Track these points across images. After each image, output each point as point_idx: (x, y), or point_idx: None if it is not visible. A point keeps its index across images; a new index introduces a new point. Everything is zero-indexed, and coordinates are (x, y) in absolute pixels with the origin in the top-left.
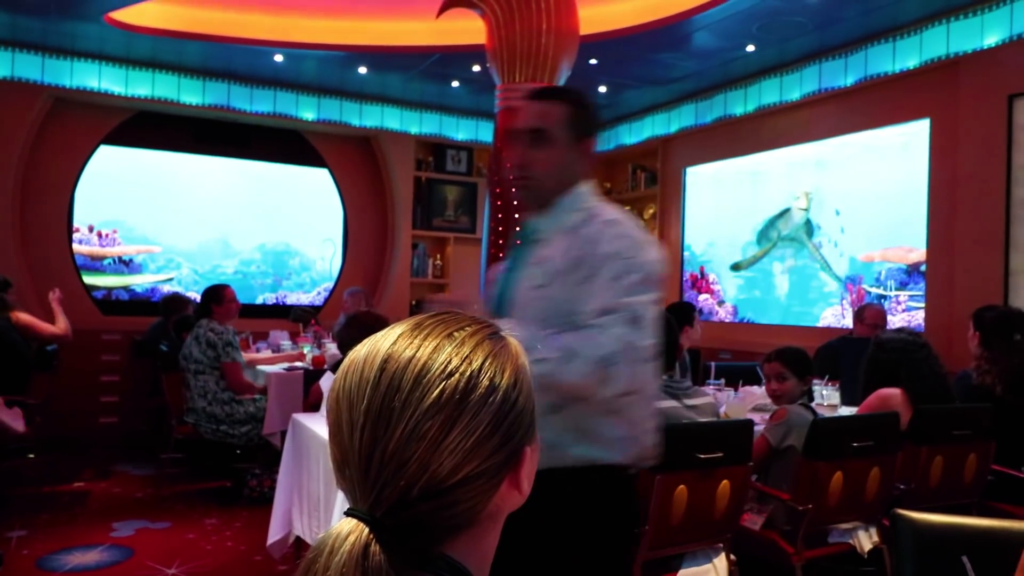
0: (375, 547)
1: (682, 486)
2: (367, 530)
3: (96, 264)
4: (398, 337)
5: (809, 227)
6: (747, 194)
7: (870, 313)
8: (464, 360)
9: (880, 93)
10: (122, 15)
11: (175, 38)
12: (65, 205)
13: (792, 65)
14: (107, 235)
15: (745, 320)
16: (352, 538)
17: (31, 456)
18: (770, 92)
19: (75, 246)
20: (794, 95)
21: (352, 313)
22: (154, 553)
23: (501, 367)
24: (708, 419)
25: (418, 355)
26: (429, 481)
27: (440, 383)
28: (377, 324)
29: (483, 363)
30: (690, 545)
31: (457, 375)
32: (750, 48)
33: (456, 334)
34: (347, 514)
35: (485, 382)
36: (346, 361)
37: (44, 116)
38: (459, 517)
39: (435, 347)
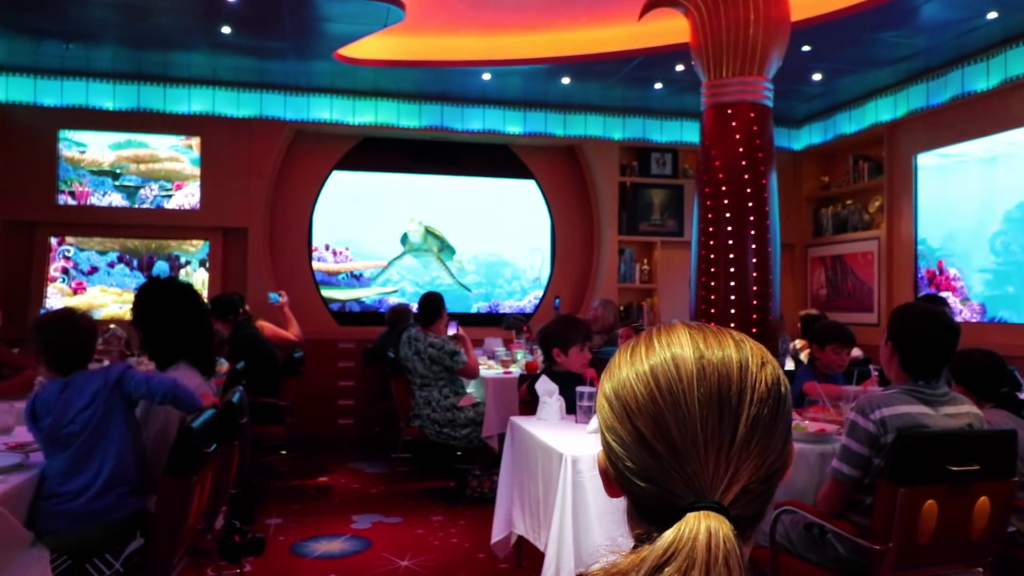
0: (736, 539)
1: (931, 501)
2: (727, 522)
3: (332, 279)
4: (689, 339)
5: None
6: (993, 178)
7: None
8: (763, 354)
9: None
10: (348, 51)
11: (393, 67)
12: (305, 226)
13: None
14: (340, 252)
15: (996, 319)
16: (724, 530)
17: (284, 452)
18: (1018, 63)
19: (314, 263)
20: None
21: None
22: (389, 545)
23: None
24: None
25: (727, 352)
26: (767, 467)
27: (760, 373)
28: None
29: (773, 358)
30: (942, 567)
31: (769, 366)
32: (992, 15)
33: (733, 335)
34: (698, 509)
35: (781, 373)
36: (640, 368)
37: (287, 147)
38: (767, 504)
39: (735, 344)
